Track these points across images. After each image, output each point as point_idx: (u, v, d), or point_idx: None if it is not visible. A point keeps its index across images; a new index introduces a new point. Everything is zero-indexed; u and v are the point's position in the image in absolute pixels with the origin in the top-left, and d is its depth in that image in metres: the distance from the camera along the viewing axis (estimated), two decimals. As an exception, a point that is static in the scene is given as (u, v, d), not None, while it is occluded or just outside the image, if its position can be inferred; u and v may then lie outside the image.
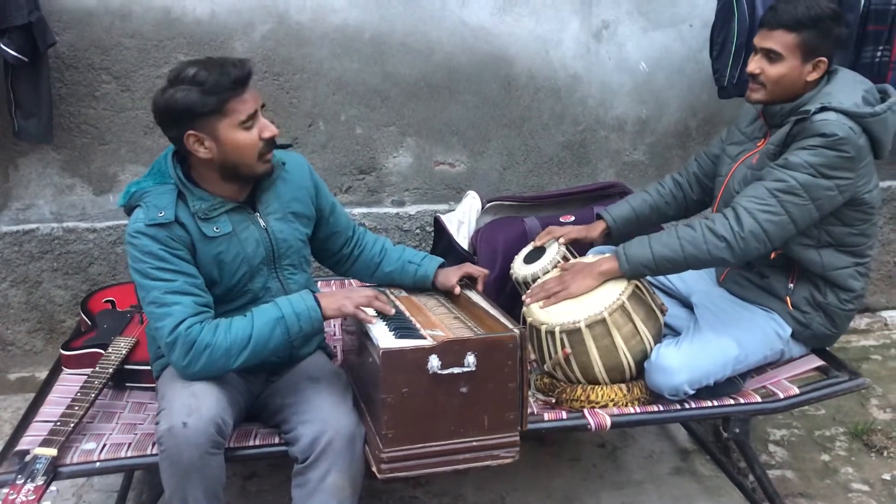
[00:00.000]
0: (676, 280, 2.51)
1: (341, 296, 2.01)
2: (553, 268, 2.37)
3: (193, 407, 1.80)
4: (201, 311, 1.91)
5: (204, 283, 1.96)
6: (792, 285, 2.26)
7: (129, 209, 1.98)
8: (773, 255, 2.24)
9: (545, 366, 2.23)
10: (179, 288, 1.89)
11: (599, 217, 2.53)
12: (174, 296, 1.88)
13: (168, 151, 2.01)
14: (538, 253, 2.46)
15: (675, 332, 2.35)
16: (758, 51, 2.20)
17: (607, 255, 2.26)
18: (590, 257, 2.34)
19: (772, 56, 2.16)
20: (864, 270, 2.26)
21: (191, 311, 1.88)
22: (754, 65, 2.20)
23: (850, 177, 2.08)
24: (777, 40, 2.15)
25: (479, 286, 2.26)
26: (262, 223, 2.04)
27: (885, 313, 3.65)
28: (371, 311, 1.99)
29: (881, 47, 2.96)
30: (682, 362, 2.12)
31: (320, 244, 2.26)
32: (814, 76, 2.17)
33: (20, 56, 2.62)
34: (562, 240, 2.44)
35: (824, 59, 2.16)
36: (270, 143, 1.96)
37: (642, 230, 2.54)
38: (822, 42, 2.14)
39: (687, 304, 2.47)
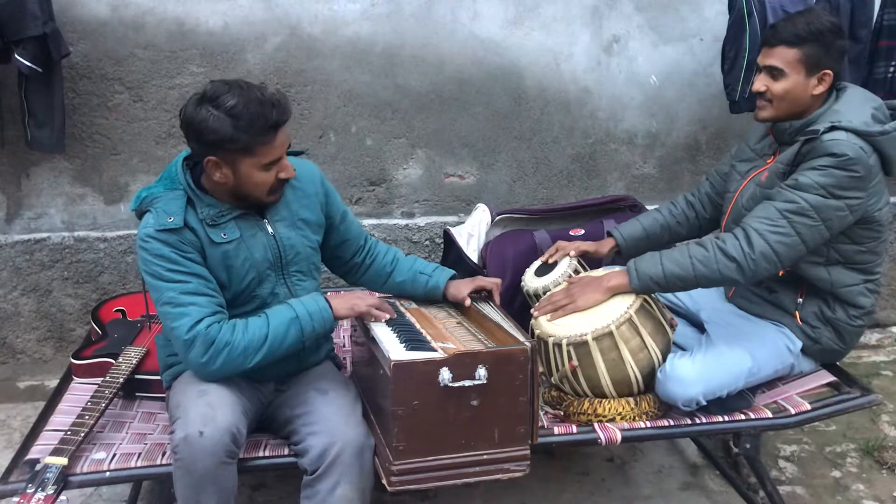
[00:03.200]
0: (685, 297, 2.50)
1: (352, 296, 2.09)
2: (564, 281, 2.36)
3: (209, 416, 1.81)
4: (217, 311, 1.93)
5: (217, 284, 1.98)
6: (801, 300, 2.26)
7: (139, 213, 2.00)
8: (781, 272, 2.23)
9: (552, 378, 2.22)
10: (194, 289, 1.91)
11: (610, 235, 2.53)
12: (190, 296, 1.90)
13: (179, 158, 2.03)
14: (549, 266, 2.45)
15: (682, 350, 2.33)
16: (761, 69, 2.20)
17: (617, 269, 2.25)
18: (600, 271, 2.34)
19: (775, 73, 2.16)
20: (873, 287, 2.25)
21: (208, 311, 1.91)
22: (759, 83, 2.20)
23: (860, 196, 2.07)
24: (779, 57, 2.15)
25: (496, 298, 2.26)
26: (269, 229, 2.05)
27: (895, 329, 3.64)
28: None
29: (894, 63, 2.96)
30: (697, 373, 2.12)
31: (331, 252, 2.27)
32: (820, 90, 2.16)
33: (34, 66, 2.64)
34: (573, 253, 2.44)
35: (829, 71, 2.15)
36: (283, 182, 1.99)
37: (653, 250, 2.54)
38: (825, 55, 2.14)
39: (695, 323, 2.47)
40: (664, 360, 2.18)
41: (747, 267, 2.07)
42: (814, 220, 2.06)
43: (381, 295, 2.35)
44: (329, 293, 2.12)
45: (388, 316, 2.07)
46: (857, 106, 2.14)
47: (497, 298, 2.26)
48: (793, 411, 2.19)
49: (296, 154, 2.17)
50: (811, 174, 2.06)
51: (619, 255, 2.53)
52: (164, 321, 1.94)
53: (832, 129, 2.06)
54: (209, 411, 1.82)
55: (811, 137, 2.09)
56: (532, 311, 2.29)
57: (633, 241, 2.50)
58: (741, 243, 2.08)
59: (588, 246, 2.49)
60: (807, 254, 2.13)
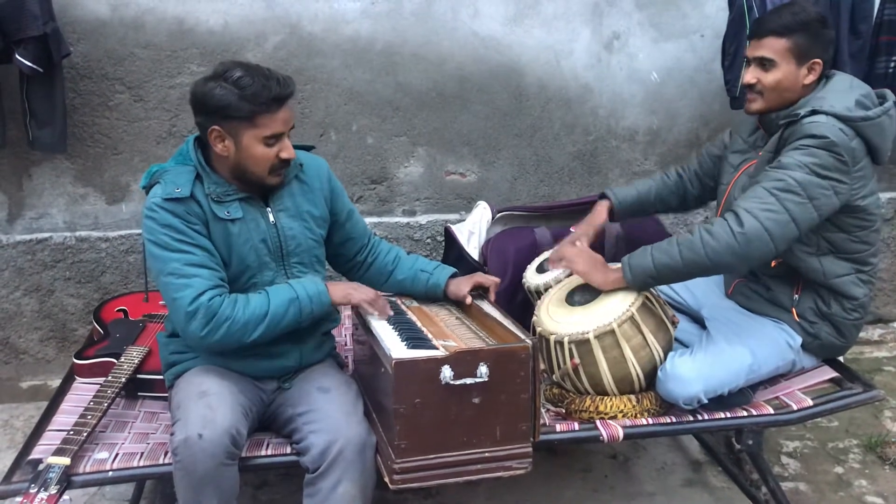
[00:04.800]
0: (686, 294, 2.50)
1: (348, 286, 2.12)
2: (566, 277, 2.36)
3: (209, 418, 1.81)
4: (220, 285, 1.96)
5: (220, 259, 2.00)
6: (797, 296, 2.25)
7: (149, 189, 2.03)
8: (774, 264, 2.23)
9: (554, 376, 2.22)
10: (199, 261, 1.93)
11: (604, 196, 2.55)
12: (194, 268, 1.92)
13: (191, 137, 2.06)
14: (551, 263, 2.46)
15: (684, 347, 2.33)
16: (750, 62, 2.20)
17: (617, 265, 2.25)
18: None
19: (765, 64, 2.16)
20: (866, 278, 2.24)
21: (211, 284, 1.93)
22: (750, 75, 2.19)
23: (844, 180, 2.06)
24: (768, 47, 2.15)
25: (492, 296, 2.26)
26: (271, 218, 2.06)
27: (897, 324, 3.64)
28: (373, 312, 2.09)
29: (895, 58, 2.95)
30: (697, 371, 2.11)
31: (335, 249, 2.27)
32: (810, 79, 2.16)
33: (35, 66, 2.64)
34: (579, 243, 2.43)
35: (819, 60, 2.15)
36: (285, 163, 2.01)
37: (643, 215, 2.61)
38: (814, 44, 2.14)
39: (697, 319, 2.46)
40: (666, 357, 2.18)
41: (737, 246, 2.02)
42: (801, 197, 2.03)
43: (382, 294, 2.35)
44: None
45: (377, 313, 2.09)
46: (842, 92, 2.14)
47: (493, 297, 2.26)
48: (795, 407, 2.19)
49: (306, 148, 2.19)
50: (794, 154, 2.06)
51: (613, 218, 2.56)
52: (166, 292, 1.95)
53: (813, 112, 2.07)
54: (209, 413, 1.83)
55: (792, 121, 2.09)
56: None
57: (626, 203, 2.53)
58: (730, 223, 2.04)
59: (585, 229, 2.48)
60: (798, 237, 2.09)
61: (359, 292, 2.11)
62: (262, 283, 2.06)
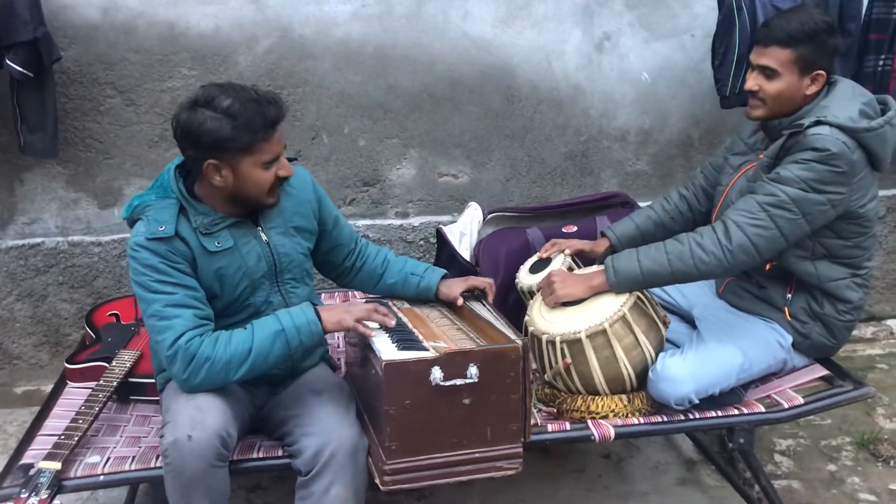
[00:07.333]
0: (677, 295, 2.51)
1: (341, 309, 2.01)
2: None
3: (198, 420, 1.81)
4: (201, 325, 1.91)
5: (205, 296, 1.97)
6: (790, 295, 2.26)
7: (131, 222, 2.00)
8: (768, 267, 2.23)
9: (546, 375, 2.23)
10: (180, 301, 1.90)
11: (604, 234, 2.53)
12: (175, 308, 1.89)
13: (171, 165, 2.01)
14: (544, 263, 2.46)
15: (675, 347, 2.34)
16: (754, 68, 2.19)
17: (599, 268, 2.26)
18: (594, 268, 2.34)
19: (768, 73, 2.15)
20: (861, 282, 2.25)
21: (191, 325, 1.89)
22: (752, 82, 2.18)
23: (842, 191, 2.06)
24: (772, 57, 2.14)
25: (490, 297, 2.26)
26: (263, 238, 2.04)
27: (890, 322, 3.63)
28: (372, 325, 1.98)
29: (883, 56, 2.96)
30: (688, 372, 2.12)
31: (322, 256, 2.26)
32: (813, 89, 2.15)
33: (26, 71, 2.63)
34: (567, 251, 2.44)
35: (822, 71, 2.14)
36: (282, 181, 1.98)
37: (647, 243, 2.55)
38: (819, 55, 2.12)
39: (687, 319, 2.47)
40: (657, 357, 2.19)
41: (725, 259, 2.08)
42: (794, 213, 2.06)
43: (373, 296, 2.35)
44: (324, 303, 2.11)
45: (375, 333, 1.96)
46: (846, 101, 2.13)
47: (490, 298, 2.26)
48: (786, 405, 2.20)
49: (289, 160, 2.17)
50: (793, 168, 2.06)
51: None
52: (151, 333, 1.93)
53: (817, 123, 2.06)
54: (198, 415, 1.82)
55: (795, 131, 2.09)
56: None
57: (626, 239, 2.49)
58: (719, 236, 2.08)
59: (584, 245, 2.49)
60: (788, 247, 2.12)
61: (352, 313, 1.97)
62: (255, 303, 2.04)
